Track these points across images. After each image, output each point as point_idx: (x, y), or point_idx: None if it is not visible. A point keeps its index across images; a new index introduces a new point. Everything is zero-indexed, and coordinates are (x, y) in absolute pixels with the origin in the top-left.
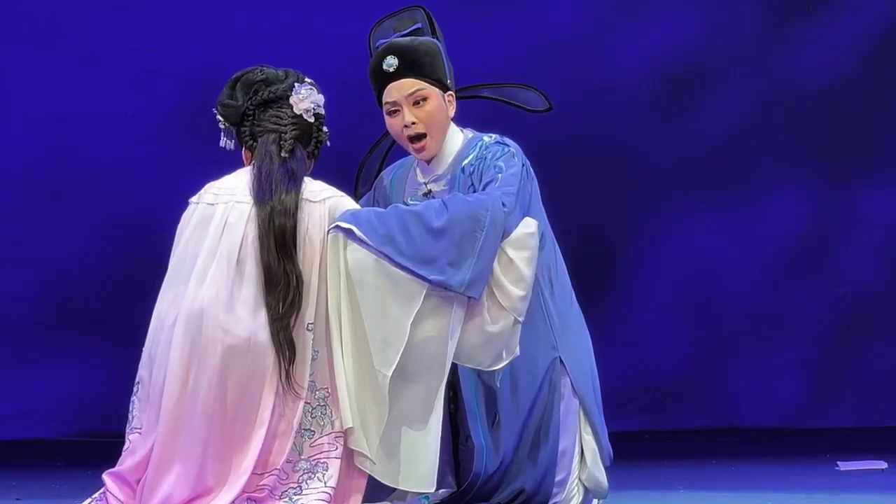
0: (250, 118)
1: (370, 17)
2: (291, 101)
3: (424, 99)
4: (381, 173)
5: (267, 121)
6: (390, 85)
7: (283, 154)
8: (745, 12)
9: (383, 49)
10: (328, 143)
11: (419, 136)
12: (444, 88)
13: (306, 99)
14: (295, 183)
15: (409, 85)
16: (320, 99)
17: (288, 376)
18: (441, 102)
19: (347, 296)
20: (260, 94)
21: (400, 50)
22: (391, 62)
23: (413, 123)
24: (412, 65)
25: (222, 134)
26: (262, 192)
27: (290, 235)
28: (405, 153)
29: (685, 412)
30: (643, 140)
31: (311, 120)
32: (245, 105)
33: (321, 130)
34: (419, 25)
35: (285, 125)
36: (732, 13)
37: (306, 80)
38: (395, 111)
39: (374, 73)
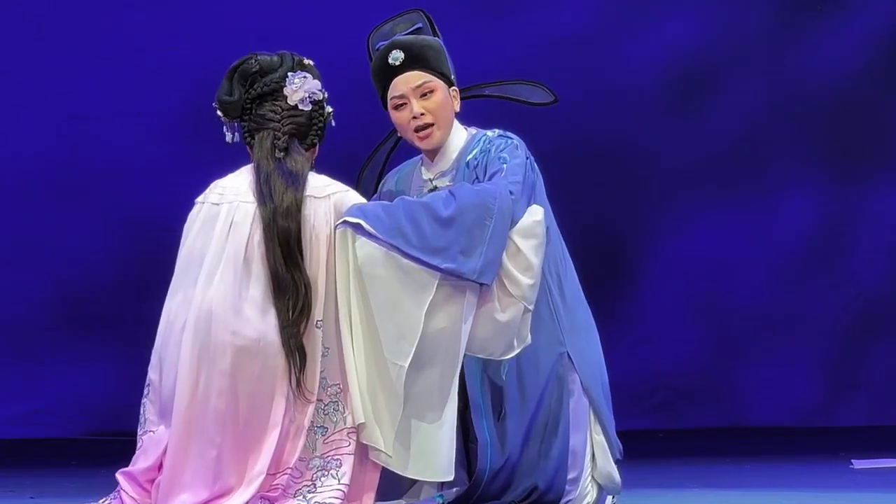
0: (248, 112)
1: (379, 16)
2: (285, 92)
3: (431, 91)
4: (386, 175)
5: (263, 116)
6: (396, 78)
7: (277, 154)
8: (756, 11)
9: (388, 45)
10: (333, 123)
11: (426, 126)
12: (449, 83)
13: (300, 89)
14: (294, 181)
15: (415, 77)
16: (315, 85)
17: (299, 383)
18: (447, 96)
19: (358, 290)
20: (255, 86)
21: (405, 44)
22: (397, 56)
23: (421, 114)
24: (418, 58)
25: (224, 128)
26: (263, 194)
27: (294, 240)
28: (406, 157)
29: (698, 411)
30: (654, 139)
31: (308, 108)
32: (242, 99)
33: (321, 115)
34: (419, 25)
35: (280, 120)
36: (743, 12)
37: (304, 61)
38: (402, 104)
39: (379, 69)
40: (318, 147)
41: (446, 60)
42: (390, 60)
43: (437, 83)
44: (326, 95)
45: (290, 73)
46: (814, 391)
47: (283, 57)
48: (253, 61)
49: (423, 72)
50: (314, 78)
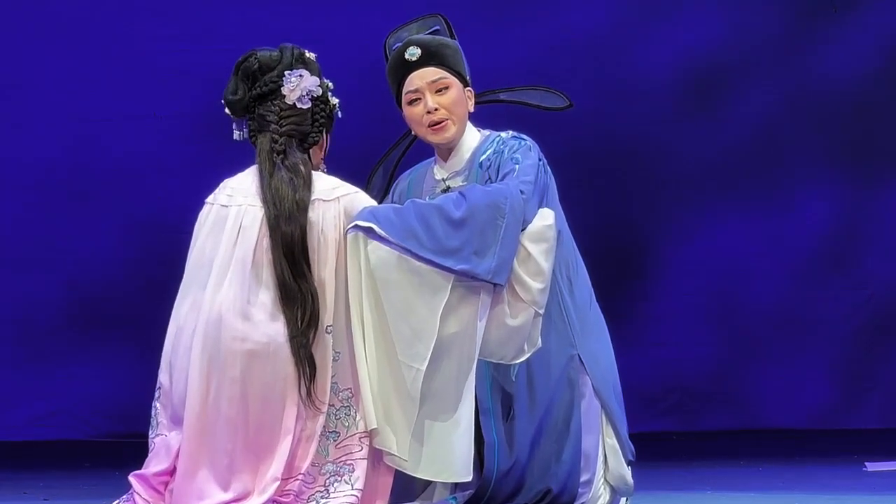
0: (252, 111)
1: (393, 19)
2: (283, 91)
3: (447, 87)
4: (398, 177)
5: (263, 117)
6: (412, 74)
7: (275, 158)
8: (770, 12)
9: (405, 42)
10: (339, 115)
11: (440, 121)
12: (464, 83)
13: (297, 88)
14: (294, 184)
15: (431, 73)
16: (313, 82)
17: (309, 393)
18: (461, 94)
19: (370, 294)
20: (257, 85)
21: (422, 42)
22: (414, 52)
23: (436, 109)
24: (435, 55)
25: (234, 125)
26: (265, 199)
27: (299, 247)
28: (418, 160)
29: (712, 413)
30: (668, 141)
31: (307, 106)
32: (246, 98)
33: (322, 112)
34: (437, 28)
35: (278, 121)
36: (758, 13)
37: (305, 55)
38: (417, 99)
39: (395, 65)
40: (326, 139)
41: (462, 61)
42: (407, 56)
43: (453, 80)
44: (332, 86)
45: (286, 72)
46: (828, 393)
47: (283, 52)
48: (253, 59)
49: (439, 68)
50: (312, 73)
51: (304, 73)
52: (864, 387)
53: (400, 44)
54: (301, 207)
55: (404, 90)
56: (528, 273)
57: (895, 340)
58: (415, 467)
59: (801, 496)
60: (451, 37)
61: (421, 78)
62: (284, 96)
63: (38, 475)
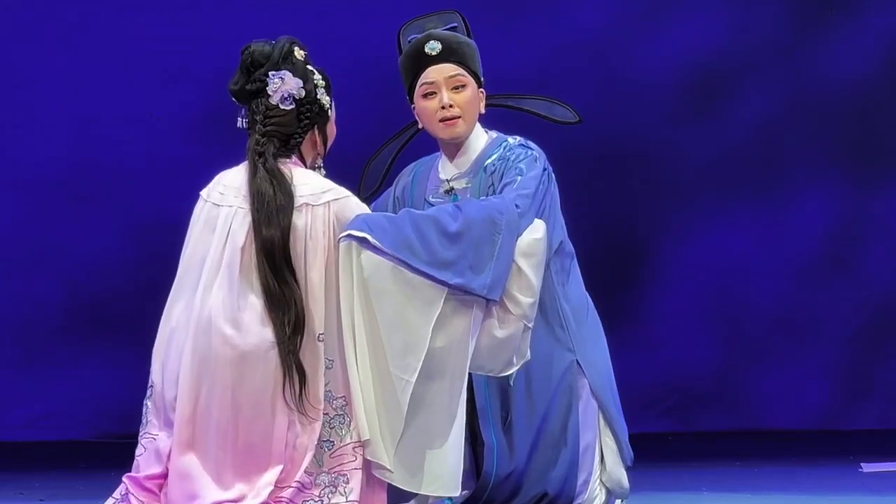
0: (249, 103)
1: (395, 19)
2: (268, 91)
3: (463, 86)
4: (403, 169)
5: (253, 114)
6: (431, 67)
7: (256, 159)
8: (771, 14)
9: (425, 35)
10: (331, 114)
11: (453, 117)
12: (479, 84)
13: (279, 90)
14: (273, 186)
15: (450, 69)
16: (295, 85)
17: (300, 400)
18: (476, 95)
19: (362, 303)
20: (250, 80)
21: (443, 37)
22: (434, 46)
23: (451, 105)
24: (455, 52)
25: (241, 112)
26: (250, 201)
27: (280, 251)
28: (416, 156)
29: (710, 414)
30: (670, 142)
31: (290, 107)
32: (243, 90)
33: (309, 112)
34: (455, 25)
35: (262, 121)
36: (758, 15)
37: (294, 54)
38: (433, 93)
39: (413, 57)
40: (321, 136)
41: (479, 62)
42: (427, 49)
43: (469, 79)
44: (322, 83)
45: (271, 72)
46: (826, 394)
47: (275, 48)
48: (248, 52)
49: (458, 65)
50: (296, 75)
51: (287, 75)
52: (863, 388)
53: (416, 35)
54: (281, 211)
55: (419, 82)
56: (519, 288)
57: (894, 342)
58: (403, 480)
59: (798, 497)
60: (468, 35)
61: (439, 72)
62: (270, 96)
63: (35, 476)
